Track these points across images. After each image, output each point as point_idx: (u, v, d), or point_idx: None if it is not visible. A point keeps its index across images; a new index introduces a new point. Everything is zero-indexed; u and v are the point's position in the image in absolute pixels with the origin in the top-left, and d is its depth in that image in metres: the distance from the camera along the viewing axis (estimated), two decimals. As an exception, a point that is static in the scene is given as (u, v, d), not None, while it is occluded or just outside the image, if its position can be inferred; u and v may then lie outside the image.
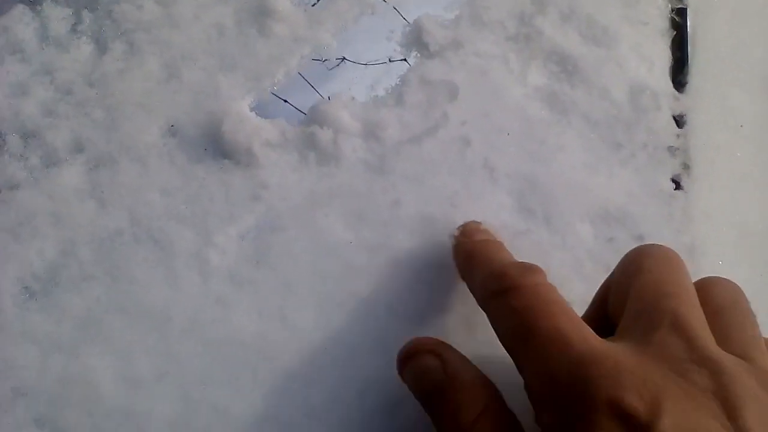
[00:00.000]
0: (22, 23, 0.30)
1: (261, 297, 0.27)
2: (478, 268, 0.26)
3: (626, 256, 0.25)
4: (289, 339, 0.27)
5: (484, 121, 0.32)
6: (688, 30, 0.36)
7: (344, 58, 0.33)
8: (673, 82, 0.35)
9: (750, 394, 0.19)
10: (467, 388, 0.23)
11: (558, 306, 0.22)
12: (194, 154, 0.30)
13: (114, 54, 0.30)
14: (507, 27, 0.34)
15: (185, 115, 0.30)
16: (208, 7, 0.32)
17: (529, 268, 0.23)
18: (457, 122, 0.31)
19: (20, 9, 0.31)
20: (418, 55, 0.33)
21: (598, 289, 0.26)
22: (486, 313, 0.24)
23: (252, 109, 0.31)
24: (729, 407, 0.18)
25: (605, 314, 0.25)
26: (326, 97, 0.31)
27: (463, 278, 0.27)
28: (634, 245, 0.31)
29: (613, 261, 0.25)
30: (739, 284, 0.24)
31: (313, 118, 0.30)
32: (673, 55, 0.36)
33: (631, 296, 0.23)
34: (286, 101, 0.31)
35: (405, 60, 0.33)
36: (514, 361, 0.22)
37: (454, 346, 0.24)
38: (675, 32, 0.36)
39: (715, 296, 0.23)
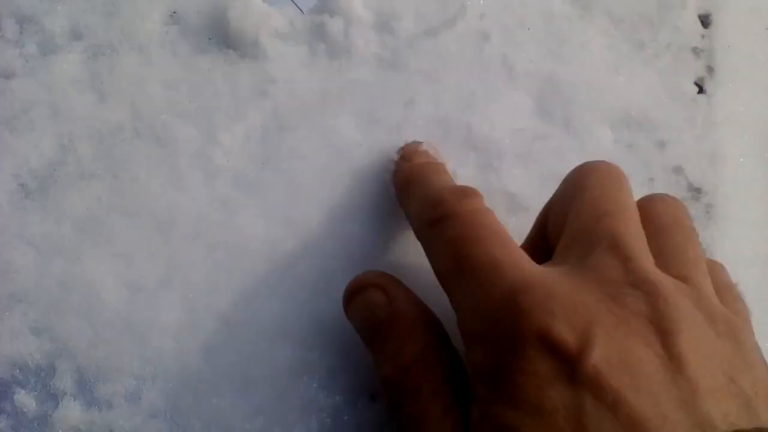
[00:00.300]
0: None
1: (268, 200, 0.26)
2: (414, 195, 0.24)
3: (569, 173, 0.23)
4: (296, 246, 0.26)
5: (504, 14, 0.30)
6: None
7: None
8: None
9: (686, 318, 0.18)
10: (409, 325, 0.22)
11: (493, 232, 0.20)
12: (198, 43, 0.28)
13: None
14: None
15: (188, 0, 0.28)
16: None
17: (466, 193, 0.22)
18: (476, 15, 0.29)
19: None
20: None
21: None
22: (421, 244, 0.23)
23: (258, -5, 0.28)
24: (663, 333, 0.17)
25: (545, 236, 0.23)
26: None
27: (401, 206, 0.25)
28: (654, 152, 0.30)
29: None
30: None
31: (323, 5, 0.28)
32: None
33: (570, 216, 0.21)
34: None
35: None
36: (448, 296, 0.21)
37: None
38: None
39: (657, 215, 0.22)
